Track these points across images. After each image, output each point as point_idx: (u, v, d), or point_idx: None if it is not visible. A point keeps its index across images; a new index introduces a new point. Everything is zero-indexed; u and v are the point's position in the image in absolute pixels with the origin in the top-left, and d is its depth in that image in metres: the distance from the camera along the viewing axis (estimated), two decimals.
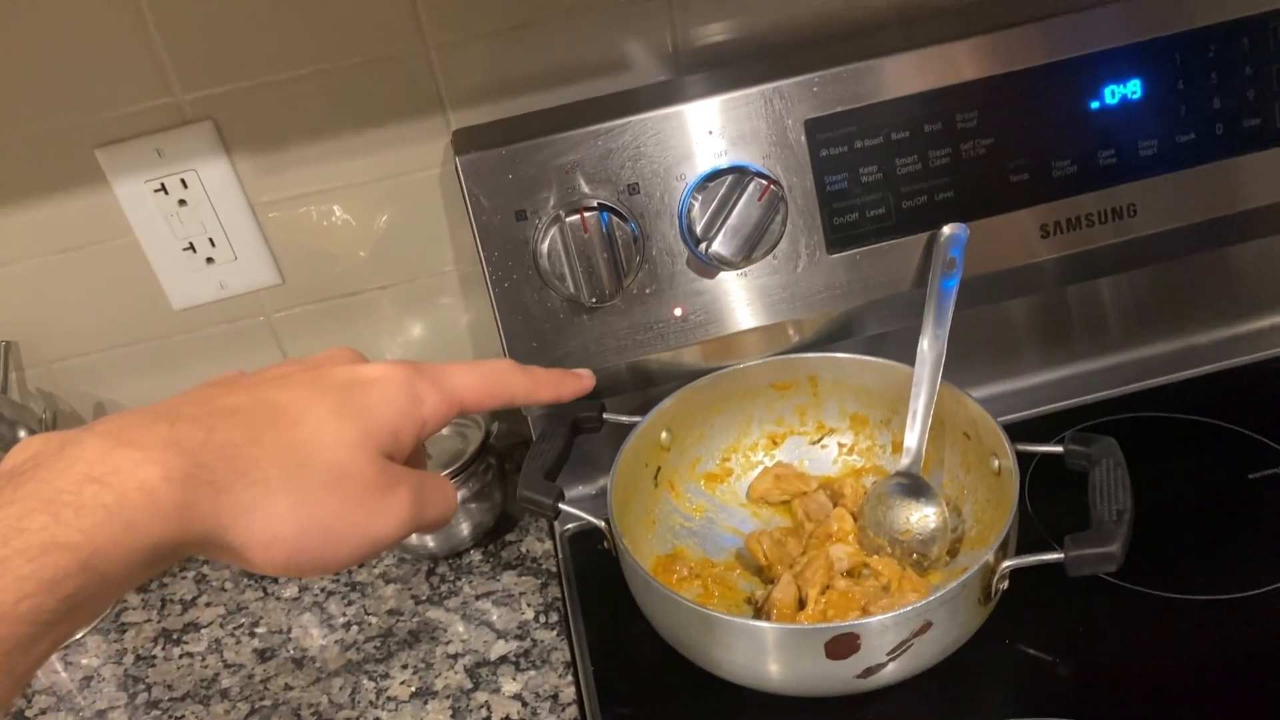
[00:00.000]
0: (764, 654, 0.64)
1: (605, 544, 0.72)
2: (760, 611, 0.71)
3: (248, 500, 0.41)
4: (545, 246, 0.74)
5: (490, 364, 0.52)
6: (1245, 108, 0.78)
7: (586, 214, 0.72)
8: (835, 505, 0.78)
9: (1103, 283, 0.89)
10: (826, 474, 0.82)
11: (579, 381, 0.57)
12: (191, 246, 0.81)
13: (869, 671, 0.63)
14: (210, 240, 0.81)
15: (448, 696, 0.74)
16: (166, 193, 0.79)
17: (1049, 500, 0.77)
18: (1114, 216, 0.80)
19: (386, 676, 0.76)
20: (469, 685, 0.74)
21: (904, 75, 0.76)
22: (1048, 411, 0.88)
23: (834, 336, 0.83)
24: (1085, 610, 0.71)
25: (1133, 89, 0.77)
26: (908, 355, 0.77)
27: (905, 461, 0.75)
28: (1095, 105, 0.77)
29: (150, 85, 0.76)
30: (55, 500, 0.37)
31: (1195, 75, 0.77)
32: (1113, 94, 0.77)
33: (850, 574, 0.73)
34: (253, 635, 0.82)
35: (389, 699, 0.75)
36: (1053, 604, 0.70)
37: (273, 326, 0.87)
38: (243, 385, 0.45)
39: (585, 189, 0.75)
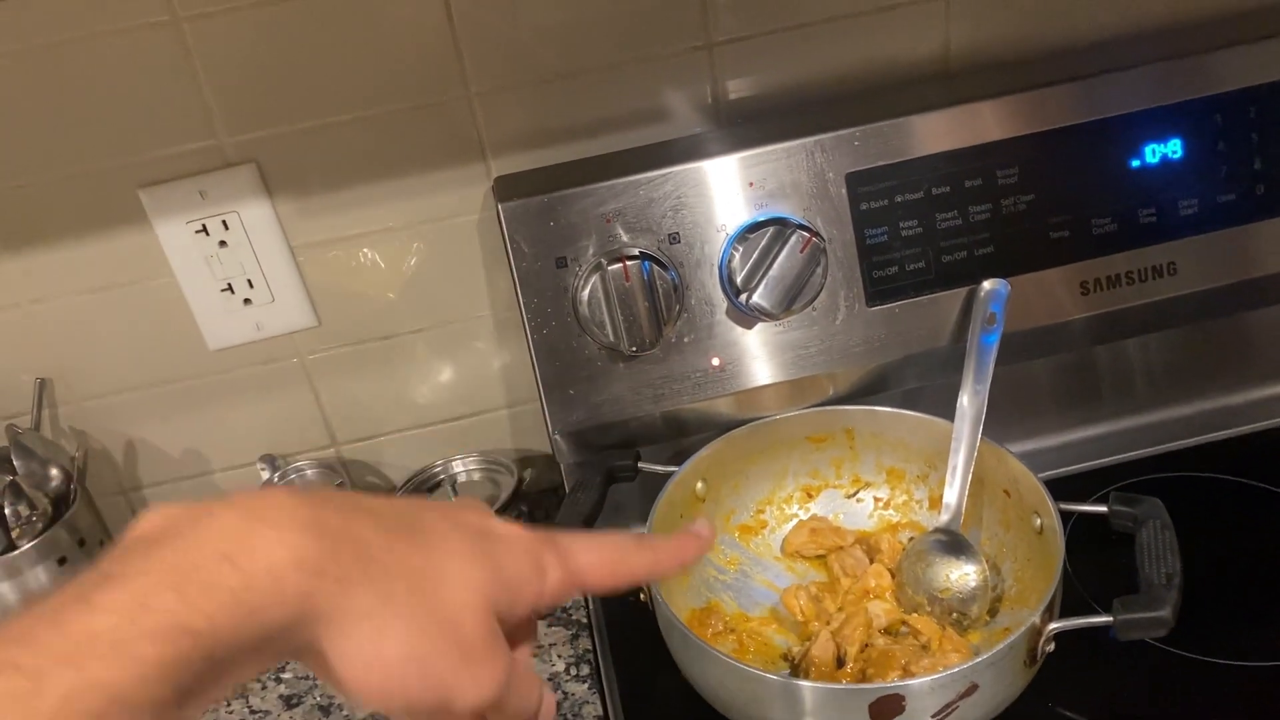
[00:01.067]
0: (805, 713, 0.63)
1: (640, 596, 0.71)
2: (797, 669, 0.70)
3: (366, 608, 0.37)
4: (586, 294, 0.74)
5: (615, 542, 0.48)
6: None
7: (629, 262, 0.72)
8: (872, 561, 0.77)
9: (1132, 341, 0.89)
10: (862, 528, 0.81)
11: (699, 543, 0.51)
12: (230, 287, 0.81)
13: None
14: (249, 281, 0.81)
15: None
16: (208, 234, 0.79)
17: (1088, 560, 0.76)
18: (1154, 275, 0.80)
19: None
20: None
21: (945, 131, 0.76)
22: (1078, 470, 0.87)
23: (871, 390, 0.82)
24: (1127, 674, 0.70)
25: (1173, 148, 0.77)
26: (944, 410, 0.77)
27: (945, 518, 0.74)
28: (1136, 164, 0.77)
29: (195, 127, 0.76)
30: (186, 578, 0.34)
31: (1235, 136, 0.78)
32: (1153, 153, 0.77)
33: (888, 632, 0.72)
34: (279, 681, 0.80)
35: None
36: (1093, 667, 0.69)
37: (306, 368, 0.87)
38: (379, 498, 0.43)
39: (625, 238, 0.75)
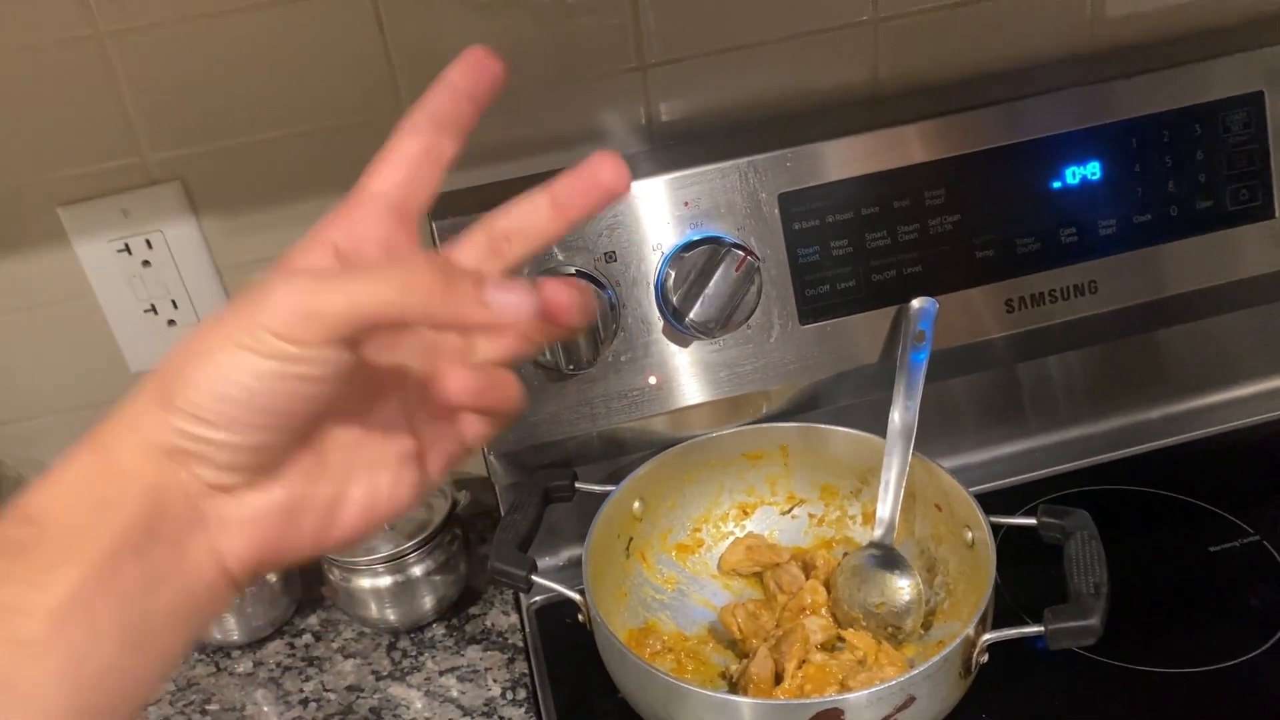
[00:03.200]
0: None
1: (580, 617, 0.71)
2: (736, 686, 0.70)
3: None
4: None
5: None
6: (1198, 190, 0.81)
7: None
8: (807, 577, 0.77)
9: (1053, 359, 0.91)
10: (797, 545, 0.82)
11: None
12: (153, 308, 0.79)
13: None
14: (173, 302, 0.79)
15: None
16: (130, 253, 0.77)
17: (1017, 572, 0.77)
18: (1075, 293, 0.82)
19: None
20: None
21: (874, 152, 0.77)
22: (1004, 485, 0.88)
23: (804, 407, 0.83)
24: (1057, 683, 0.71)
25: (1092, 170, 0.80)
26: (877, 426, 0.78)
27: (878, 533, 0.75)
28: (1057, 185, 0.80)
29: (118, 144, 0.74)
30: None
31: (1150, 159, 0.80)
32: (1074, 175, 0.80)
33: (824, 647, 0.72)
34: (204, 713, 0.78)
35: None
36: (1024, 677, 0.70)
37: None
38: None
39: (560, 256, 0.75)
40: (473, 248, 0.41)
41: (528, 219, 0.41)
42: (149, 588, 0.36)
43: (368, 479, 0.40)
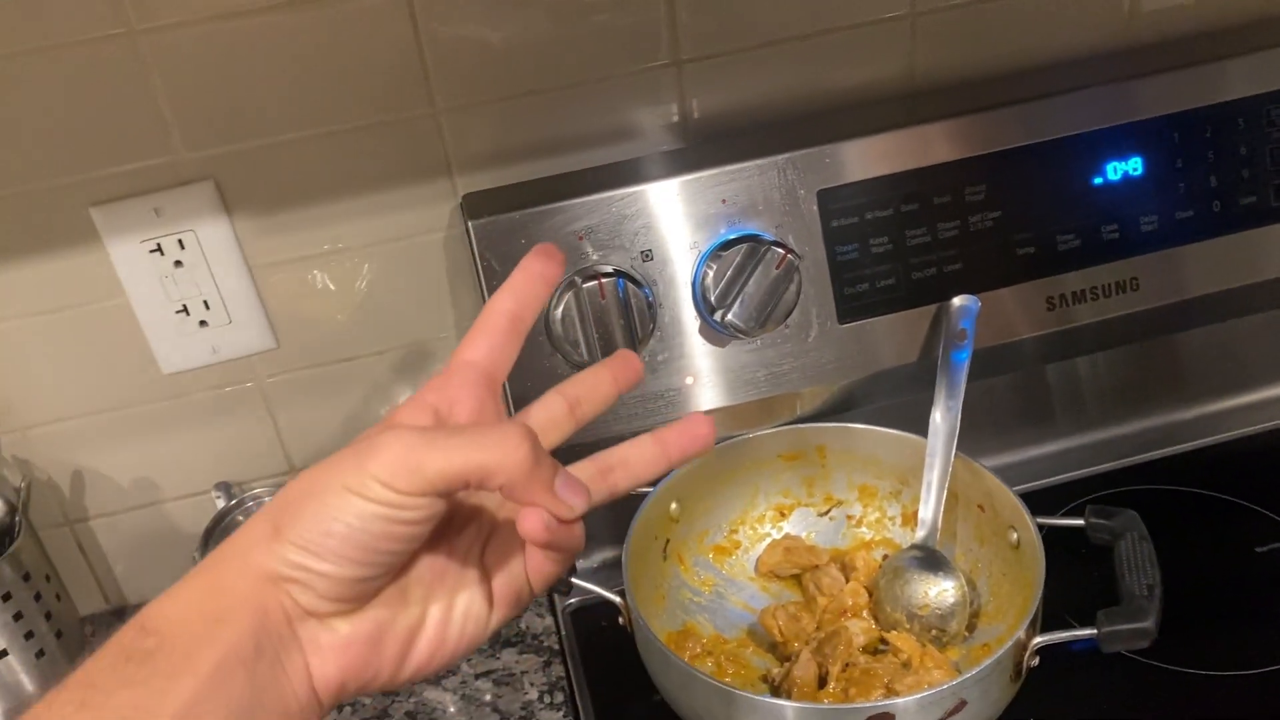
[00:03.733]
0: None
1: (620, 619, 0.70)
2: (778, 690, 0.69)
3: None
4: (559, 312, 0.72)
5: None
6: (1241, 186, 0.80)
7: (604, 280, 0.72)
8: (847, 579, 0.76)
9: (1088, 358, 0.90)
10: (835, 546, 0.81)
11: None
12: (185, 309, 0.78)
13: None
14: (205, 303, 0.78)
15: None
16: (163, 253, 0.76)
17: (1058, 574, 0.76)
18: (1117, 290, 0.81)
19: None
20: None
21: (913, 148, 0.76)
22: (1040, 486, 0.87)
23: (841, 407, 0.82)
24: (1105, 687, 0.70)
25: (1134, 166, 0.79)
26: (915, 426, 0.77)
27: (921, 534, 0.74)
28: (1098, 181, 0.79)
29: (151, 143, 0.74)
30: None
31: (1193, 154, 0.79)
32: (1115, 170, 0.79)
33: (867, 650, 0.71)
34: None
35: None
36: (1071, 681, 0.69)
37: (264, 392, 0.84)
38: None
39: (596, 256, 0.74)
40: (546, 409, 0.47)
41: (591, 383, 0.49)
42: (254, 699, 0.39)
43: (442, 612, 0.44)
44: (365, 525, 0.39)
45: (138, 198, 0.75)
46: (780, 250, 0.73)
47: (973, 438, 0.82)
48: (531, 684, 0.77)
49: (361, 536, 0.39)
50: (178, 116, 0.73)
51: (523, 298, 0.46)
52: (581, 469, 0.45)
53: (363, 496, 0.39)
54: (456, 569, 0.44)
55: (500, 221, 0.73)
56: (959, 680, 0.59)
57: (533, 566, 0.45)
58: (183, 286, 0.78)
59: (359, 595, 0.41)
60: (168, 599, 0.40)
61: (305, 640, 0.41)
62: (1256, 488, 0.83)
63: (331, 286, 0.81)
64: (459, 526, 0.44)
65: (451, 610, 0.44)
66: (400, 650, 0.43)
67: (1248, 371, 0.91)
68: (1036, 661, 0.64)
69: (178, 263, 0.77)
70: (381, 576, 0.41)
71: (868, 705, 0.59)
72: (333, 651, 0.41)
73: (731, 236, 0.75)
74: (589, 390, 0.48)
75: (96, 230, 0.75)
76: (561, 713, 0.75)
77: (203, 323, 0.79)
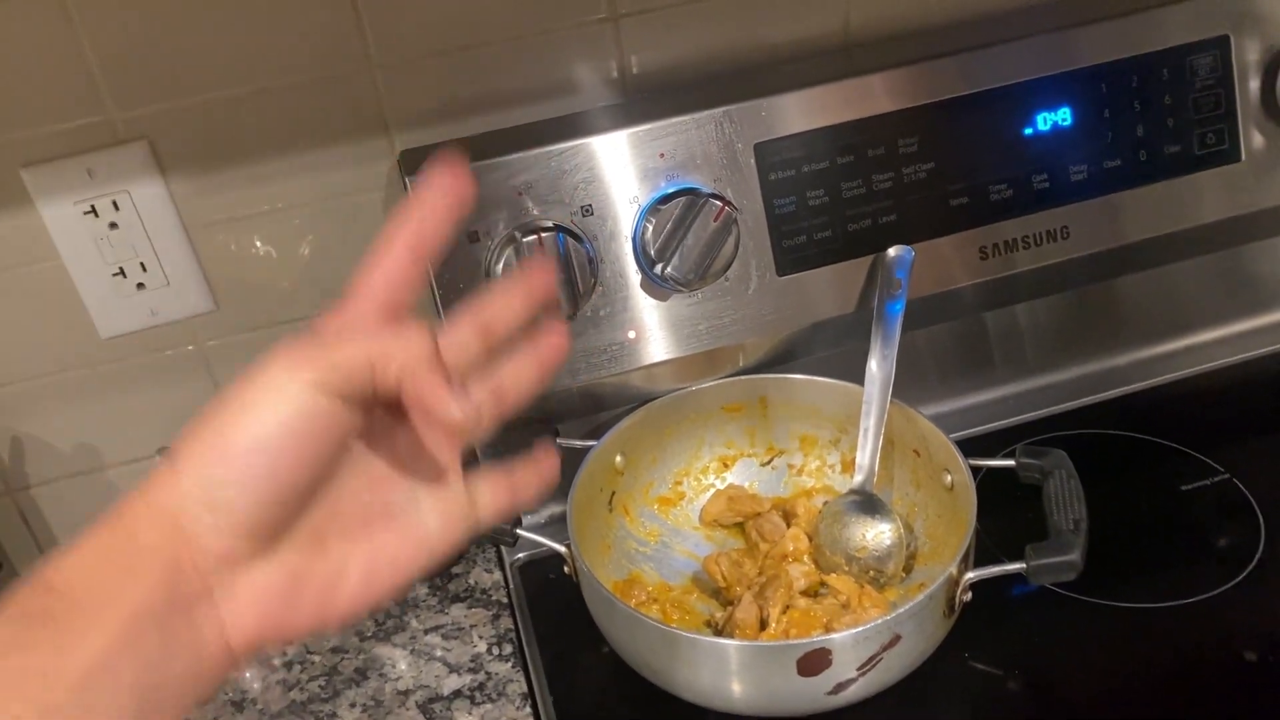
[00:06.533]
0: (733, 673, 0.63)
1: (565, 570, 0.71)
2: (721, 632, 0.71)
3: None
4: (500, 268, 0.73)
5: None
6: (1166, 135, 0.82)
7: (543, 234, 0.72)
8: (789, 525, 0.78)
9: (1022, 307, 0.92)
10: (778, 495, 0.82)
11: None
12: (122, 271, 0.78)
13: (839, 688, 0.63)
14: (142, 265, 0.78)
15: None
16: (97, 215, 0.75)
17: (992, 516, 0.78)
18: (1048, 239, 0.83)
19: (334, 716, 0.73)
20: None
21: (848, 101, 0.77)
22: (976, 433, 0.89)
23: (781, 359, 0.83)
24: (1034, 620, 0.72)
25: (1063, 116, 0.80)
26: (853, 376, 0.78)
27: (858, 479, 0.76)
28: (1029, 131, 0.80)
29: (81, 103, 0.73)
30: None
31: (1120, 104, 0.81)
32: (1045, 120, 0.80)
33: (808, 593, 0.73)
34: None
35: None
36: (1001, 615, 0.71)
37: (205, 356, 0.84)
38: None
39: (536, 211, 0.74)
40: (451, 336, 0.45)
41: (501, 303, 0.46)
42: (166, 656, 0.37)
43: (366, 550, 0.42)
44: (268, 434, 0.38)
45: (70, 159, 0.74)
46: (718, 203, 0.74)
47: (913, 386, 0.83)
48: (480, 637, 0.78)
49: (265, 449, 0.38)
50: (108, 75, 0.72)
51: (423, 221, 0.43)
52: (478, 389, 0.44)
53: (262, 404, 0.38)
54: (375, 514, 0.43)
55: None
56: (893, 615, 0.61)
57: (510, 384, 0.45)
58: (118, 249, 0.77)
59: (268, 527, 0.39)
60: (73, 552, 0.38)
61: (219, 591, 0.39)
62: (1185, 430, 0.85)
63: (270, 247, 0.81)
64: (376, 474, 0.43)
65: (377, 548, 0.43)
66: (321, 597, 0.41)
67: (1178, 317, 0.93)
68: (969, 597, 0.66)
69: (113, 224, 0.76)
70: (289, 503, 0.40)
71: (805, 641, 0.61)
72: (249, 601, 0.40)
73: (670, 190, 0.75)
74: (500, 310, 0.45)
75: (28, 192, 0.74)
76: (511, 664, 0.76)
77: (140, 285, 0.79)
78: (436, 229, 0.43)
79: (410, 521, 0.44)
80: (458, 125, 0.79)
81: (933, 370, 0.92)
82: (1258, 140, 0.84)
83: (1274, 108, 0.83)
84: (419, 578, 0.45)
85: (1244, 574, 0.73)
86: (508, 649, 0.77)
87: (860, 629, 0.61)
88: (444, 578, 0.84)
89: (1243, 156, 0.84)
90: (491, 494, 0.46)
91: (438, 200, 0.43)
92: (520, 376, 0.45)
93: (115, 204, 0.76)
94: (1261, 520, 0.77)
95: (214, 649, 0.39)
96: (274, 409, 0.38)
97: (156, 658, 0.37)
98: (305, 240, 0.81)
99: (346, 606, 0.42)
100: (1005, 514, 0.73)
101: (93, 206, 0.75)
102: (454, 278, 0.74)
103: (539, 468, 0.48)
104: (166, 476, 0.39)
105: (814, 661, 0.61)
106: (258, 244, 0.80)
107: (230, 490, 0.38)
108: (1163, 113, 0.82)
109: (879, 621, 0.61)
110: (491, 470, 0.46)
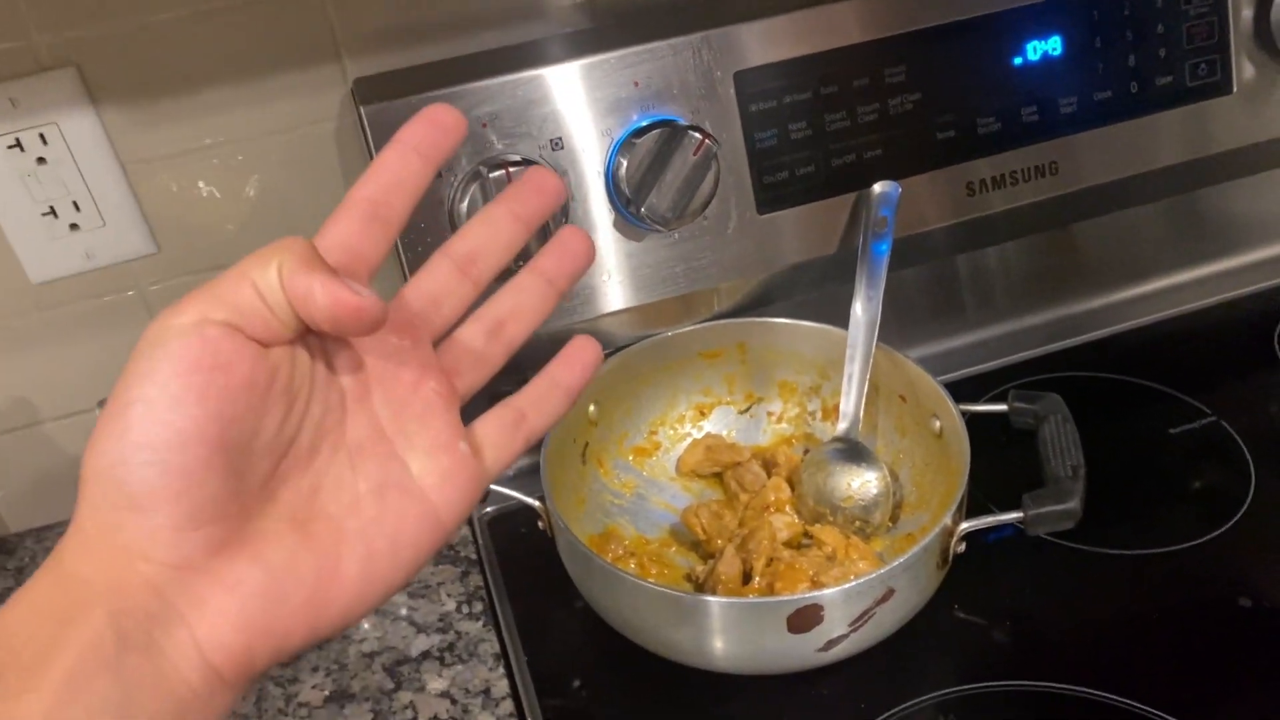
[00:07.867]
0: (719, 630, 0.60)
1: (540, 524, 0.67)
2: (703, 587, 0.68)
3: None
4: (465, 205, 0.68)
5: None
6: (1158, 66, 0.79)
7: (511, 170, 0.67)
8: (769, 475, 0.75)
9: (1006, 246, 0.89)
10: (757, 443, 0.79)
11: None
12: (53, 211, 0.72)
13: (830, 644, 0.60)
14: (75, 204, 0.72)
15: (367, 699, 0.68)
16: (23, 149, 0.69)
17: (981, 460, 0.76)
18: (1036, 174, 0.79)
19: (295, 681, 0.70)
20: (390, 685, 0.68)
21: (834, 27, 0.73)
22: (960, 377, 0.86)
23: (760, 302, 0.80)
24: (1024, 569, 0.70)
25: (1053, 45, 0.77)
26: (835, 319, 0.75)
27: (843, 426, 0.72)
28: (1018, 61, 0.77)
29: (2, 26, 0.66)
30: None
31: (1111, 33, 0.78)
32: (1035, 50, 0.77)
33: (791, 544, 0.70)
34: None
35: (300, 705, 0.68)
36: (993, 565, 0.69)
37: (147, 301, 0.78)
38: None
39: (500, 144, 0.70)
40: (432, 276, 0.42)
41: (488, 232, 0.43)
42: (125, 700, 0.33)
43: (359, 532, 0.38)
44: (158, 394, 0.33)
45: None
46: (698, 135, 0.70)
47: (894, 329, 0.80)
48: (449, 595, 0.75)
49: (162, 412, 0.33)
50: None
51: (389, 179, 0.39)
52: (470, 330, 0.42)
53: (145, 365, 0.34)
54: (363, 490, 0.39)
55: (395, 107, 0.68)
56: (887, 569, 0.58)
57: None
58: (48, 186, 0.71)
59: (208, 510, 0.34)
60: (9, 607, 0.34)
61: (185, 605, 0.34)
62: (1171, 371, 0.83)
63: (215, 185, 0.75)
64: (356, 443, 0.39)
65: (370, 540, 0.38)
66: (311, 597, 0.37)
67: (1161, 257, 0.91)
68: (963, 548, 0.63)
69: (40, 159, 0.70)
70: (218, 470, 0.34)
71: (796, 598, 0.58)
72: (222, 609, 0.35)
73: (645, 122, 0.71)
74: (487, 240, 0.42)
75: None
76: (481, 622, 0.72)
77: (74, 226, 0.73)
78: (409, 182, 0.39)
79: (406, 491, 0.39)
80: (416, 52, 0.74)
81: (911, 313, 0.89)
82: (1249, 71, 0.81)
83: (1266, 38, 0.80)
84: (430, 556, 0.40)
85: (1235, 518, 0.71)
86: (478, 607, 0.74)
87: (853, 583, 0.58)
88: None
89: (1234, 88, 0.81)
90: (497, 432, 0.42)
91: (409, 151, 0.39)
92: (522, 306, 0.42)
93: (43, 137, 0.70)
94: (1251, 464, 0.75)
95: (190, 674, 0.34)
96: (161, 363, 0.33)
97: (114, 703, 0.32)
98: (252, 177, 0.75)
99: (347, 599, 0.38)
100: (994, 460, 0.70)
101: (17, 140, 0.69)
102: (414, 218, 0.69)
103: (574, 359, 0.45)
104: (83, 493, 0.34)
105: (805, 618, 0.58)
106: (201, 181, 0.75)
107: (142, 473, 0.33)
108: (1155, 42, 0.78)
109: (872, 576, 0.58)
110: (493, 410, 0.42)
